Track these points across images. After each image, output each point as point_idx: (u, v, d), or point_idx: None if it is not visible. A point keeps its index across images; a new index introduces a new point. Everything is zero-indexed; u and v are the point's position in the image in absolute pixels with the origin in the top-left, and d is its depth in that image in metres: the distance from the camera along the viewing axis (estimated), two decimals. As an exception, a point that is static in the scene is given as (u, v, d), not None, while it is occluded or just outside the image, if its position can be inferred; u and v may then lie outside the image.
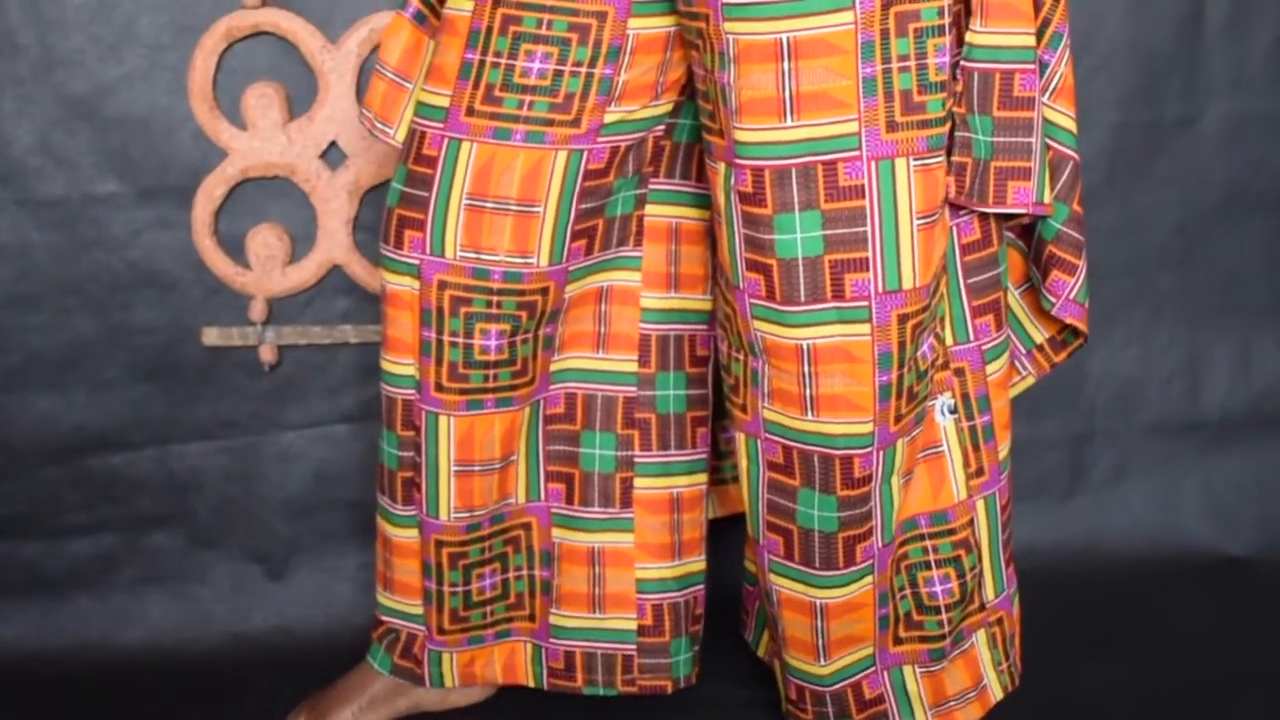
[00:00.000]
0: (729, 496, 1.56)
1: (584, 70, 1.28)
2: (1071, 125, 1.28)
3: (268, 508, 1.72)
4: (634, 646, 1.45)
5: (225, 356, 1.68)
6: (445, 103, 1.30)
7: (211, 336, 1.66)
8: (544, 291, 1.34)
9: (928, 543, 1.35)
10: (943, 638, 1.36)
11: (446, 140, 1.30)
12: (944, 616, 1.36)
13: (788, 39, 1.15)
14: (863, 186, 1.18)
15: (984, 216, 1.29)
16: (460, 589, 1.42)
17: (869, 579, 1.31)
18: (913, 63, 1.18)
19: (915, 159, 1.20)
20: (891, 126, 1.18)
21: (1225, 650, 1.59)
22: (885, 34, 1.16)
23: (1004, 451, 1.36)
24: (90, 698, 1.60)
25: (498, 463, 1.39)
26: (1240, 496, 1.81)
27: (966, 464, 1.34)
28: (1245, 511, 1.81)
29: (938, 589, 1.35)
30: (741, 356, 1.28)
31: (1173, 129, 1.76)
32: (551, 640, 1.46)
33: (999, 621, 1.42)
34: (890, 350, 1.22)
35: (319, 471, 1.71)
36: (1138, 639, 1.63)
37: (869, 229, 1.19)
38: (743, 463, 1.32)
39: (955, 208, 1.26)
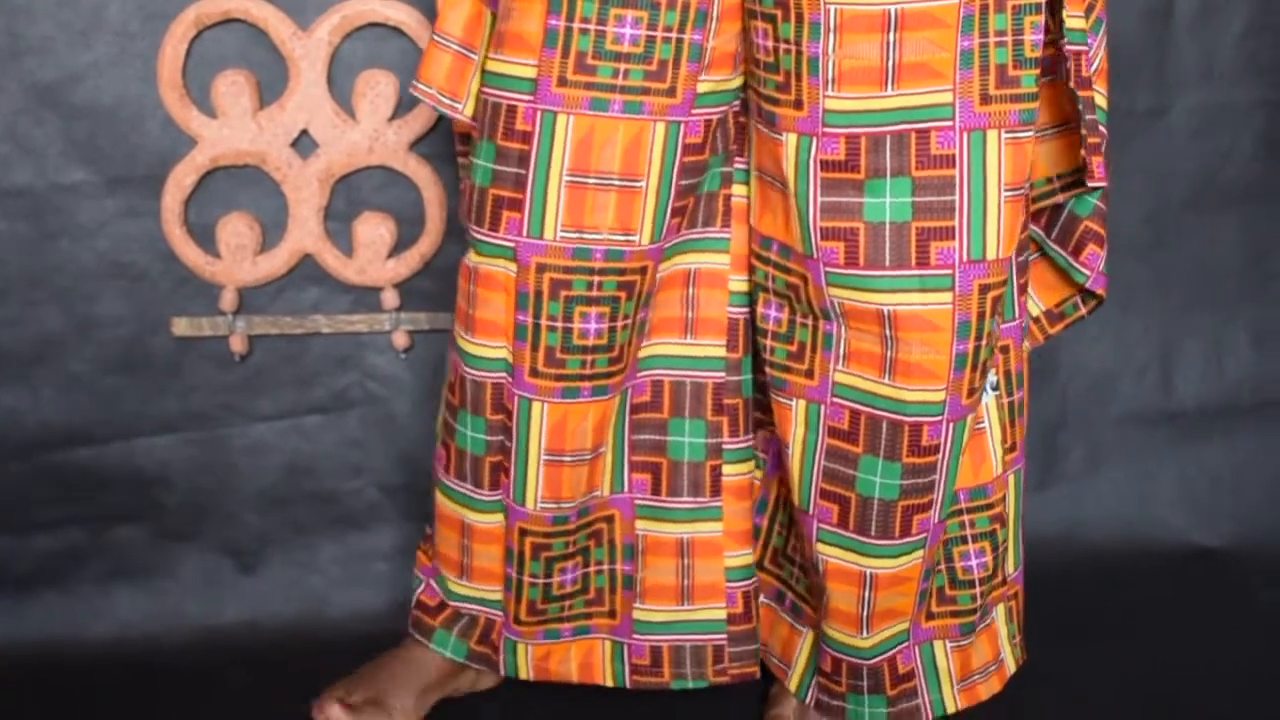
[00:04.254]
0: None
1: (675, 35, 1.24)
2: (1105, 104, 1.34)
3: (238, 500, 1.71)
4: (724, 636, 1.44)
5: (195, 348, 1.67)
6: (532, 73, 1.25)
7: (181, 327, 1.65)
8: (643, 271, 1.31)
9: (965, 517, 1.38)
10: (974, 612, 1.39)
11: (540, 113, 1.25)
12: (977, 590, 1.39)
13: (895, 11, 1.18)
14: (954, 156, 1.21)
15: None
16: (540, 580, 1.40)
17: (920, 553, 1.32)
18: (1009, 38, 1.21)
19: (1007, 131, 1.22)
20: (985, 99, 1.21)
21: (1198, 641, 1.60)
22: (985, 9, 1.19)
23: (1026, 425, 1.42)
24: (58, 693, 1.59)
25: (588, 454, 1.36)
26: (1214, 487, 1.82)
27: (1004, 439, 1.38)
28: (1219, 502, 1.81)
29: (973, 563, 1.38)
30: (810, 322, 1.29)
31: (1143, 119, 1.76)
32: (635, 636, 1.44)
33: (1015, 595, 1.46)
34: (970, 319, 1.24)
35: (291, 463, 1.70)
36: (1111, 629, 1.63)
37: (958, 198, 1.22)
38: (799, 431, 1.32)
39: None
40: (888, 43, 1.19)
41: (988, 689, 1.44)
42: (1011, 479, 1.41)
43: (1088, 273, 1.35)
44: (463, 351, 1.35)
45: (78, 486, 1.68)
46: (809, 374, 1.31)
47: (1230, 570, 1.74)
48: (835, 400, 1.29)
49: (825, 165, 1.23)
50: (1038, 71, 1.22)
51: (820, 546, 1.34)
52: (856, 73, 1.20)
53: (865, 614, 1.34)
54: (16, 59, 1.59)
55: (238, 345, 1.64)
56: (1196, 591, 1.70)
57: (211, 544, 1.72)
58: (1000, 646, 1.45)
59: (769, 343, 1.35)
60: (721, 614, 1.43)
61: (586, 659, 1.46)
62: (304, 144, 1.62)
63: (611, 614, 1.44)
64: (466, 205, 1.33)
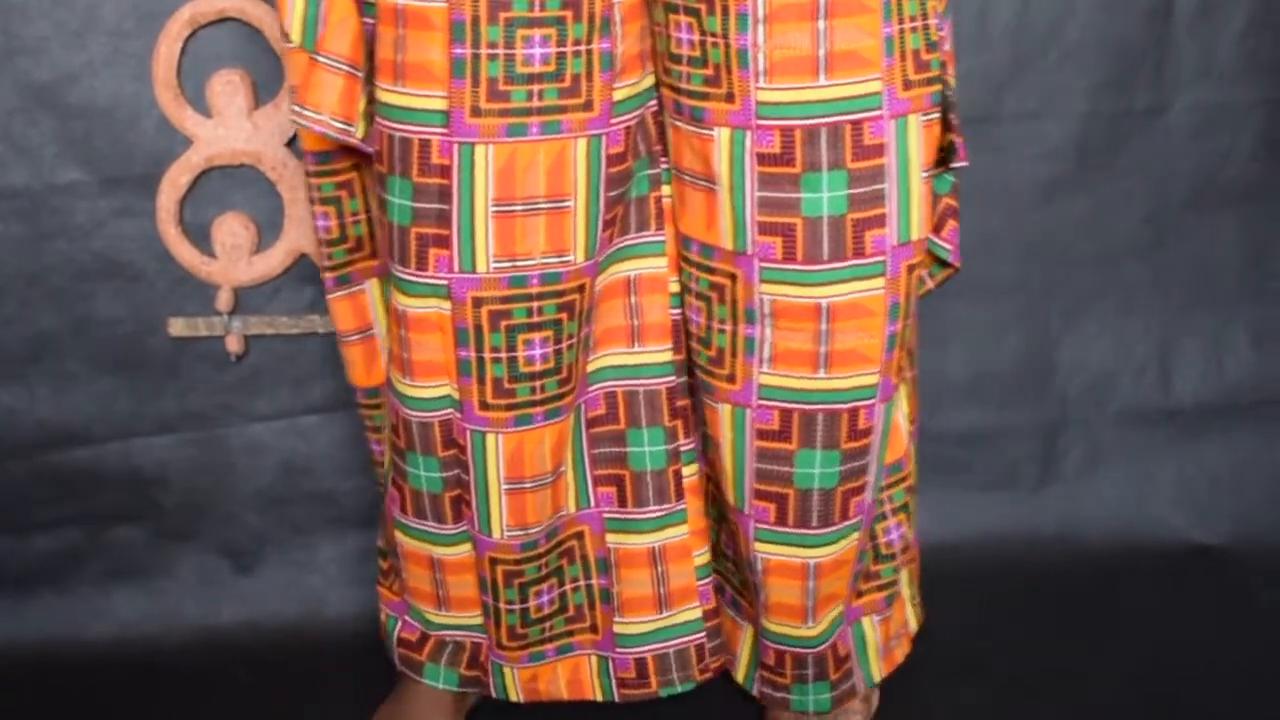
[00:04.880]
0: None
1: (584, 48, 1.22)
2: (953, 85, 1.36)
3: (236, 500, 1.72)
4: (704, 634, 1.44)
5: (191, 348, 1.68)
6: (442, 105, 1.21)
7: (178, 327, 1.65)
8: (581, 289, 1.30)
9: (885, 494, 1.40)
10: (895, 583, 1.44)
11: (457, 146, 1.22)
12: (898, 561, 1.43)
13: None
14: (884, 145, 1.22)
15: None
16: (517, 606, 1.39)
17: (856, 535, 1.34)
18: (920, 23, 1.22)
19: (924, 115, 1.24)
20: (906, 85, 1.22)
21: (1196, 639, 1.61)
22: None
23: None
24: (57, 693, 1.60)
25: (549, 476, 1.35)
26: (1213, 486, 1.82)
27: (909, 413, 1.42)
28: (1217, 501, 1.82)
29: (894, 536, 1.43)
30: (729, 327, 1.29)
31: (1142, 119, 1.76)
32: (618, 650, 1.43)
33: (913, 559, 1.51)
34: (899, 301, 1.26)
35: (288, 463, 1.70)
36: (1110, 627, 1.64)
37: (888, 185, 1.23)
38: (726, 434, 1.32)
39: None
40: (818, 31, 1.18)
41: (901, 652, 1.48)
42: (913, 449, 1.44)
43: (949, 247, 1.35)
44: (402, 396, 1.32)
45: (76, 486, 1.69)
46: (730, 379, 1.31)
47: (1229, 569, 1.75)
48: (761, 403, 1.29)
49: (762, 159, 1.22)
50: (940, 55, 1.25)
51: (759, 545, 1.34)
52: (788, 63, 1.19)
53: (810, 604, 1.36)
54: (11, 59, 1.59)
55: (234, 345, 1.64)
56: (1195, 590, 1.71)
57: (210, 544, 1.73)
58: (906, 611, 1.50)
59: (694, 345, 1.35)
60: (698, 613, 1.43)
61: (574, 676, 1.46)
62: (299, 144, 1.62)
63: (593, 629, 1.44)
64: (386, 245, 1.29)
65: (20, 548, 1.70)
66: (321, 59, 1.26)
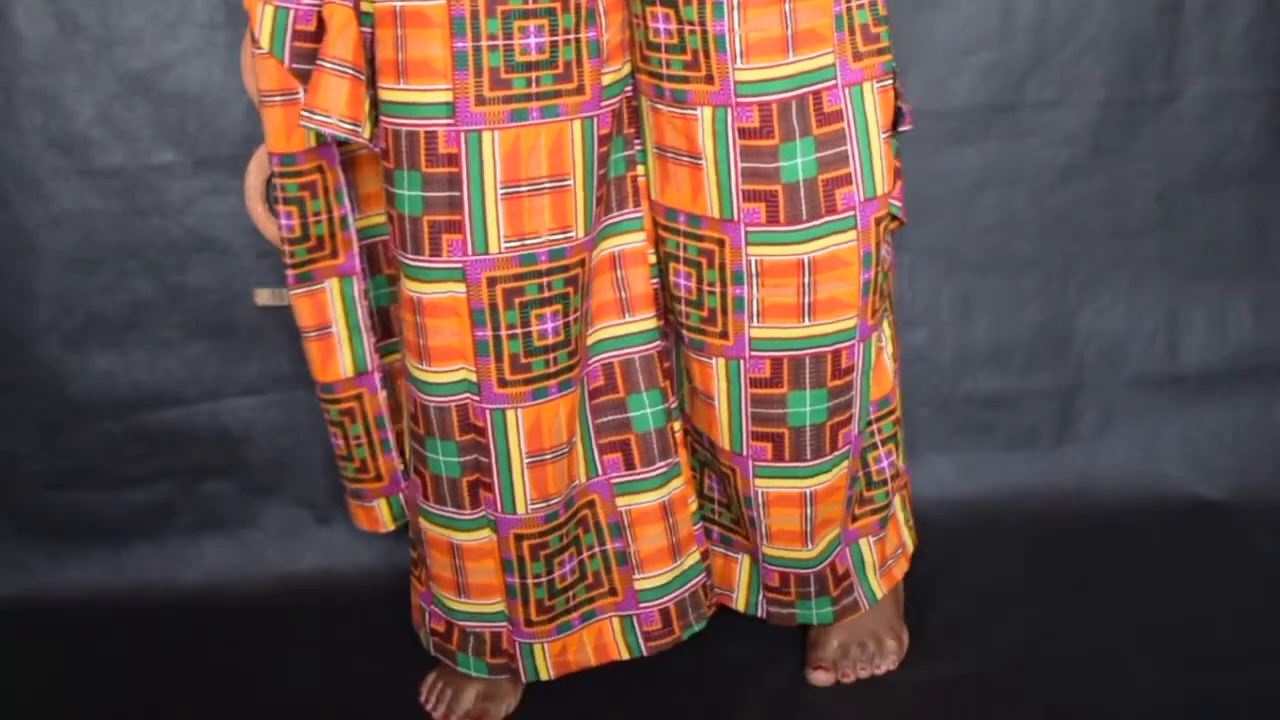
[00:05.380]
0: None
1: (574, 36, 1.26)
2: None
3: (315, 457, 1.76)
4: (704, 575, 1.49)
5: (274, 317, 1.73)
6: (447, 97, 1.24)
7: (263, 297, 1.70)
8: (583, 264, 1.33)
9: (874, 426, 1.48)
10: (887, 507, 1.51)
11: (463, 135, 1.25)
12: (889, 487, 1.50)
13: None
14: (841, 111, 1.31)
15: None
16: (544, 578, 1.39)
17: (845, 464, 1.42)
18: (866, 1, 1.32)
19: (877, 82, 1.33)
20: (857, 56, 1.31)
21: (1201, 588, 1.63)
22: None
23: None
24: (151, 636, 1.65)
25: (566, 447, 1.37)
26: (1216, 445, 1.84)
27: (894, 353, 1.50)
28: (1221, 458, 1.83)
29: (884, 464, 1.49)
30: (719, 289, 1.36)
31: (1154, 106, 1.79)
32: (642, 606, 1.45)
33: (905, 485, 1.59)
34: (870, 250, 1.35)
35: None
36: (1121, 577, 1.66)
37: (849, 147, 1.32)
38: (721, 385, 1.39)
39: None
40: (785, 13, 1.28)
41: (900, 570, 1.55)
42: (898, 384, 1.50)
43: (898, 204, 1.39)
44: (420, 382, 1.33)
45: (168, 444, 1.74)
46: (724, 335, 1.37)
47: (1231, 521, 1.76)
48: (754, 354, 1.36)
49: (743, 133, 1.30)
50: (888, 27, 1.34)
51: (759, 481, 1.41)
52: (763, 44, 1.27)
53: (809, 529, 1.44)
54: (109, 49, 1.65)
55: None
56: (1200, 540, 1.73)
57: (291, 497, 1.78)
58: (902, 532, 1.56)
59: (683, 308, 1.39)
60: (698, 556, 1.48)
61: (599, 640, 1.46)
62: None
63: (613, 592, 1.45)
64: (395, 238, 1.31)
65: (117, 501, 1.75)
66: (327, 64, 1.27)
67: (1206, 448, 1.85)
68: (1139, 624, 1.57)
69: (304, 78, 1.32)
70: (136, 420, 1.74)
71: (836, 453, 1.41)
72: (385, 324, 1.51)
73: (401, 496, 1.51)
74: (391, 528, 1.52)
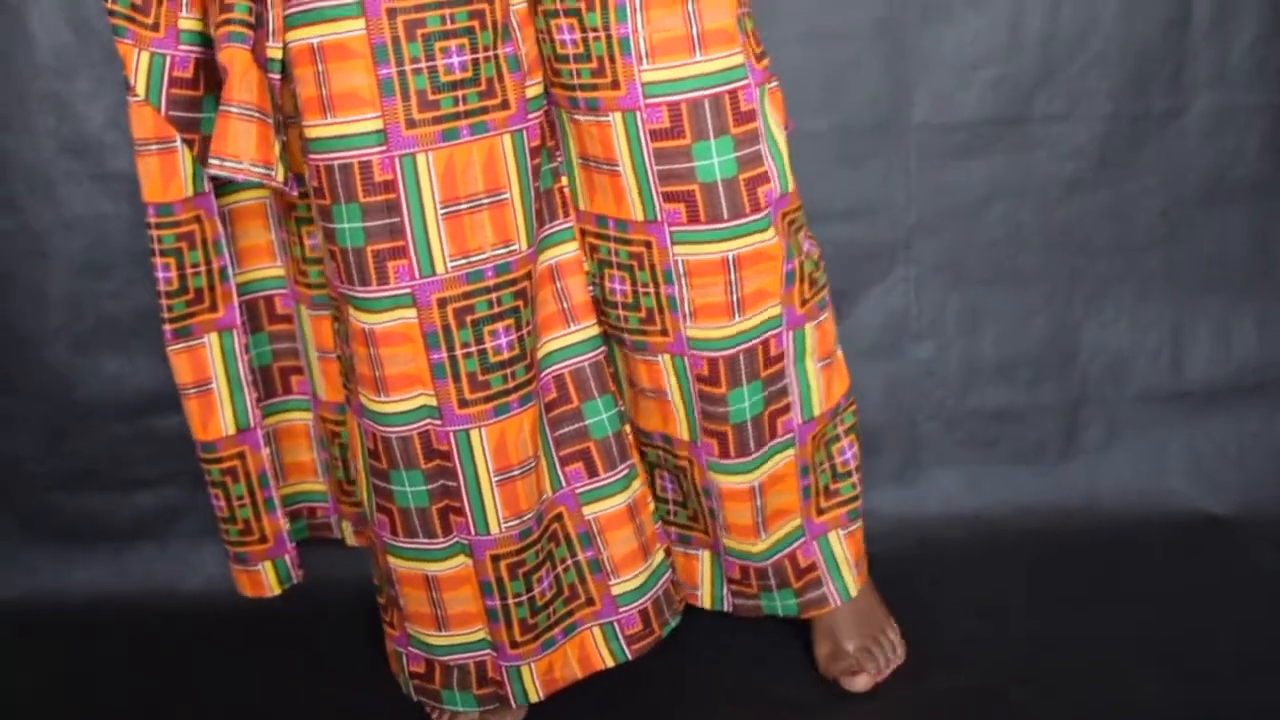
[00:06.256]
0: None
1: (493, 53, 1.27)
2: None
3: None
4: (671, 571, 1.51)
5: None
6: (377, 125, 1.24)
7: None
8: (529, 276, 1.34)
9: (835, 418, 1.49)
10: (856, 498, 1.52)
11: (398, 159, 1.25)
12: (855, 479, 1.50)
13: None
14: (755, 110, 1.32)
15: None
16: (525, 597, 1.39)
17: (790, 451, 1.43)
18: (749, 8, 1.34)
19: (770, 84, 1.36)
20: (759, 57, 1.34)
21: (1205, 601, 1.63)
22: None
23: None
24: (154, 639, 1.66)
25: (532, 461, 1.37)
26: (1221, 459, 1.84)
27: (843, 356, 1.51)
28: (1225, 473, 1.83)
29: (848, 455, 1.51)
30: (652, 289, 1.37)
31: (1159, 120, 1.79)
32: (621, 610, 1.46)
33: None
34: (788, 243, 1.37)
35: (372, 429, 1.76)
36: (1125, 591, 1.66)
37: (762, 147, 1.33)
38: (671, 379, 1.41)
39: None
40: (689, 13, 1.29)
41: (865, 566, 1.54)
42: (849, 374, 1.50)
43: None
44: (377, 415, 1.32)
45: (173, 448, 1.74)
46: (664, 332, 1.38)
47: (1236, 536, 1.76)
48: (693, 352, 1.38)
49: (654, 135, 1.30)
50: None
51: (712, 474, 1.43)
52: (667, 44, 1.28)
53: (760, 520, 1.44)
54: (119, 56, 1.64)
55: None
56: (1203, 555, 1.73)
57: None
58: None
59: (621, 313, 1.40)
60: (663, 553, 1.50)
61: (582, 652, 1.46)
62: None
63: (590, 601, 1.45)
64: (336, 274, 1.30)
65: (123, 503, 1.76)
66: (234, 109, 1.24)
67: (1211, 462, 1.85)
68: (1141, 638, 1.57)
69: (181, 125, 1.32)
70: (144, 424, 1.76)
71: (777, 440, 1.42)
72: (268, 383, 1.52)
73: (361, 538, 1.50)
74: (278, 591, 1.50)
